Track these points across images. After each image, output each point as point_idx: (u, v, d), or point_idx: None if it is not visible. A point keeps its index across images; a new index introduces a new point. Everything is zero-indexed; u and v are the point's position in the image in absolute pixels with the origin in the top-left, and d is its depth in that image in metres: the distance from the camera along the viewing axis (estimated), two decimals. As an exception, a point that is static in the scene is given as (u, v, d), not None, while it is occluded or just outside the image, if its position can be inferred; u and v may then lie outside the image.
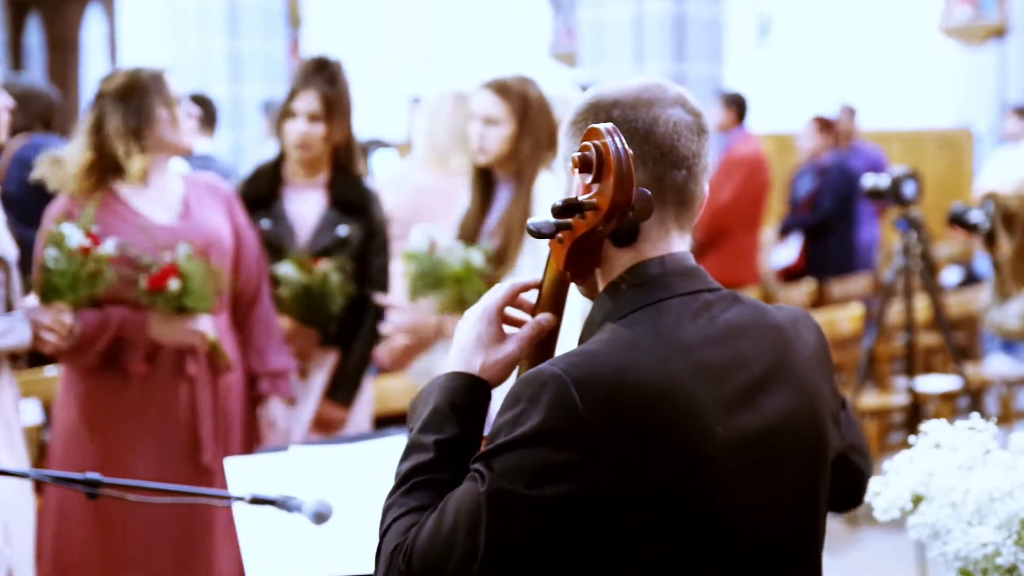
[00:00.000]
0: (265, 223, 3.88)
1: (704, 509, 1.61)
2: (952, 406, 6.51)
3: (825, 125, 8.35)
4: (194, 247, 3.35)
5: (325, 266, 3.78)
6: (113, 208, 3.37)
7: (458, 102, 4.51)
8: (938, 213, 8.98)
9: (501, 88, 3.60)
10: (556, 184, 3.51)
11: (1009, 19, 10.56)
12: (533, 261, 3.52)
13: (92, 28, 16.07)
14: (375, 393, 4.19)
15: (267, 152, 8.07)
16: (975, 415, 2.07)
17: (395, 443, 2.53)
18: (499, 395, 1.71)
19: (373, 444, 2.60)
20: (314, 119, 3.84)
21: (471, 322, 1.76)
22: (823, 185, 8.18)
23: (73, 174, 3.37)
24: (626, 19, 8.56)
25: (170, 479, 3.24)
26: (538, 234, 1.66)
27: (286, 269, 3.78)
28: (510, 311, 1.80)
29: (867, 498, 2.04)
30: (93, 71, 15.46)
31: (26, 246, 3.41)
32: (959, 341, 7.08)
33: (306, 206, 3.93)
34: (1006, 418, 6.80)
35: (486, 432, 1.68)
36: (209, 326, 3.37)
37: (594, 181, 1.63)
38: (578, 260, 1.69)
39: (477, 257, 3.54)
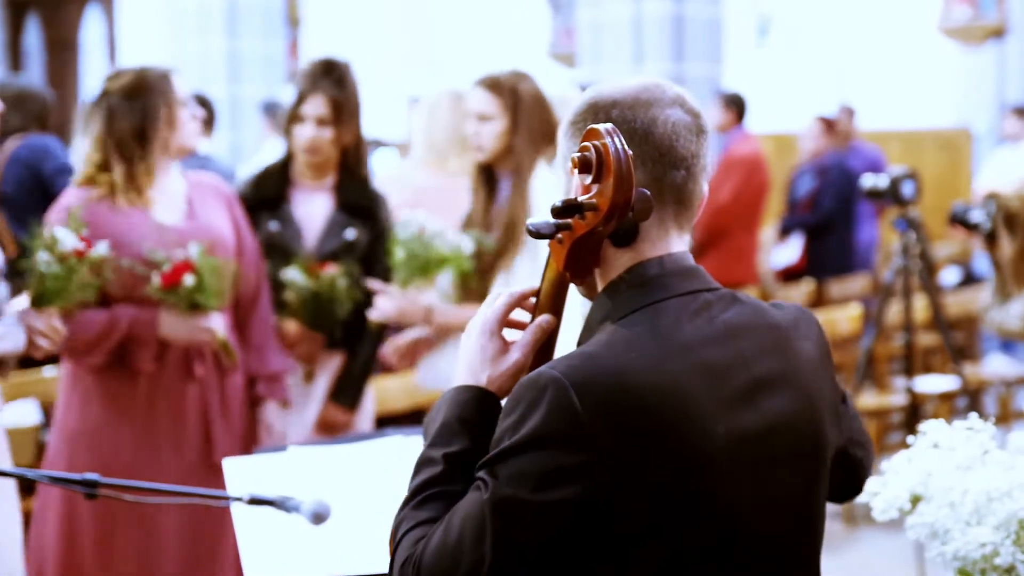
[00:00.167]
0: (272, 225, 3.86)
1: (704, 509, 1.61)
2: (951, 406, 6.51)
3: (829, 125, 8.35)
4: (203, 245, 3.34)
5: (332, 271, 3.77)
6: (120, 207, 3.36)
7: (455, 102, 4.50)
8: (937, 213, 8.99)
9: (493, 84, 3.60)
10: (554, 179, 3.52)
11: (1008, 19, 10.56)
12: (532, 257, 3.52)
13: (91, 28, 16.06)
14: (375, 394, 4.18)
15: (266, 152, 8.08)
16: (973, 415, 2.07)
17: (393, 443, 2.53)
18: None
19: (371, 444, 2.60)
20: (322, 123, 3.81)
21: (473, 337, 1.77)
22: (824, 185, 8.18)
23: (86, 172, 3.37)
24: (625, 19, 8.56)
25: (187, 481, 3.24)
26: (538, 235, 1.66)
27: (293, 274, 3.76)
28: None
29: (866, 498, 2.04)
30: (92, 71, 15.46)
31: (23, 247, 3.40)
32: (958, 341, 7.09)
33: (313, 209, 3.90)
34: (1004, 418, 6.80)
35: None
36: (220, 324, 3.37)
37: (593, 181, 1.63)
38: (578, 260, 1.69)
39: (466, 242, 3.54)
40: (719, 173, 7.51)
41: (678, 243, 1.73)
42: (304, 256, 3.80)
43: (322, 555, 2.28)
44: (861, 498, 2.06)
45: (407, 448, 2.43)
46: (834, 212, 8.09)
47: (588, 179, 1.64)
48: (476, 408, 1.71)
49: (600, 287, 1.73)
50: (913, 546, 4.73)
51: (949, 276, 9.02)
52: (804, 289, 7.52)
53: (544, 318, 1.77)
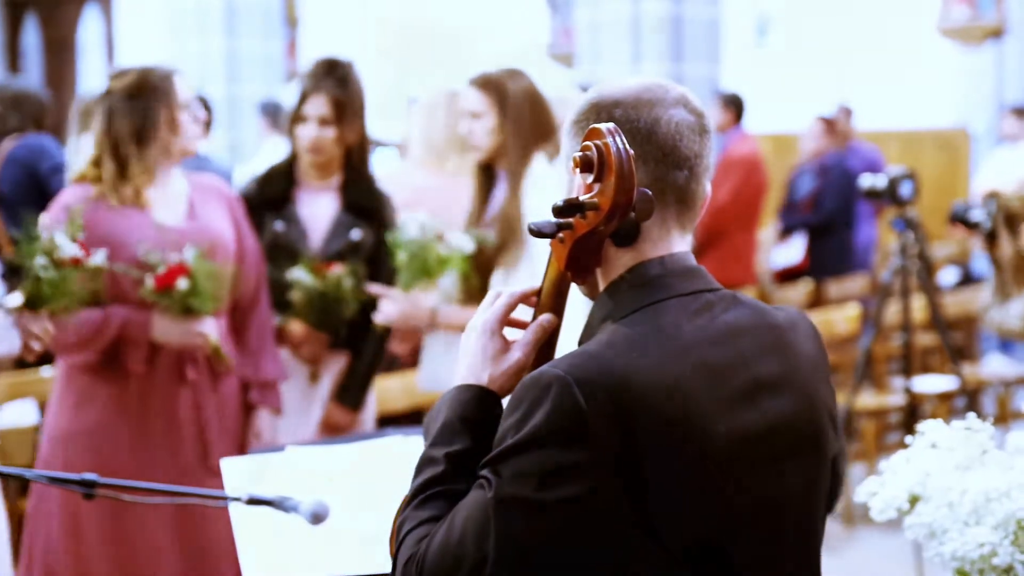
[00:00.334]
0: (278, 225, 3.85)
1: (705, 509, 1.61)
2: (949, 406, 6.51)
3: (830, 126, 8.36)
4: (200, 248, 3.33)
5: (338, 271, 3.77)
6: (120, 208, 3.35)
7: (453, 102, 4.50)
8: (935, 213, 9.00)
9: (483, 82, 3.61)
10: (552, 173, 3.52)
11: (1007, 20, 10.56)
12: (531, 255, 3.51)
13: (89, 28, 16.04)
14: (375, 394, 4.18)
15: (264, 152, 8.07)
16: (972, 415, 2.07)
17: (392, 443, 2.53)
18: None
19: (370, 444, 2.60)
20: (325, 123, 3.81)
21: (474, 336, 1.77)
22: (825, 185, 8.18)
23: (82, 169, 3.36)
24: (623, 19, 8.56)
25: (182, 483, 3.22)
26: (539, 234, 1.66)
27: (299, 274, 3.76)
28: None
29: (864, 498, 2.04)
30: (90, 71, 15.44)
31: (18, 245, 3.38)
32: (956, 341, 7.08)
33: (319, 209, 3.90)
34: (1003, 418, 6.80)
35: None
36: (212, 328, 3.35)
37: (595, 181, 1.63)
38: (579, 260, 1.70)
39: (467, 242, 3.54)
40: (717, 173, 7.51)
41: (680, 243, 1.73)
42: (310, 256, 3.80)
43: (321, 555, 2.28)
44: (860, 498, 2.06)
45: (407, 448, 2.43)
46: (835, 212, 8.09)
47: (590, 178, 1.64)
48: (477, 407, 1.71)
49: (601, 287, 1.73)
50: (911, 546, 4.74)
51: (947, 276, 9.02)
52: (802, 289, 7.52)
53: (545, 317, 1.77)
